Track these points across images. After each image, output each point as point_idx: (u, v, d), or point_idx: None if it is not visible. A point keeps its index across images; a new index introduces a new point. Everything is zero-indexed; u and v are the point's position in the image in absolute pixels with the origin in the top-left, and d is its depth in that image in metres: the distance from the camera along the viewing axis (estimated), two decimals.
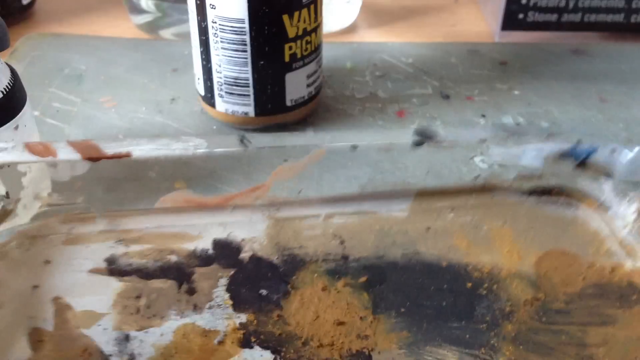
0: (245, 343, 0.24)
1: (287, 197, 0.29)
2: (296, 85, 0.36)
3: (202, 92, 0.37)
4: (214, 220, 0.28)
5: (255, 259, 0.26)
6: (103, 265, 0.25)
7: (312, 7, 0.34)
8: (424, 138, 0.28)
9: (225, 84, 0.35)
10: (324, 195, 0.29)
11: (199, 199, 0.28)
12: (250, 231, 0.27)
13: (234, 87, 0.35)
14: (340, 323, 0.24)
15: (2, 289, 0.24)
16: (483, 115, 0.39)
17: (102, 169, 0.35)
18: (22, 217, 0.26)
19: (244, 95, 0.35)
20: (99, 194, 0.29)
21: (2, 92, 0.27)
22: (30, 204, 0.26)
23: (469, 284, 0.27)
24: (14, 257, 0.25)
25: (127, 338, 0.24)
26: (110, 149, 0.25)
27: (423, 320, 0.25)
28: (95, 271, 0.25)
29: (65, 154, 0.25)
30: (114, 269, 0.25)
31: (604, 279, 0.27)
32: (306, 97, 0.37)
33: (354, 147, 0.28)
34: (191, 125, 0.38)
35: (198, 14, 0.34)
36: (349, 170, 0.30)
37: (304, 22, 0.34)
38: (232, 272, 0.26)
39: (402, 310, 0.25)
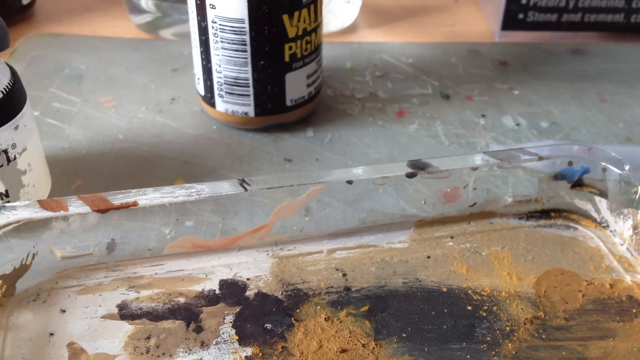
0: None
1: (289, 235, 0.30)
2: (296, 85, 0.36)
3: (202, 92, 0.37)
4: (220, 262, 0.29)
5: (260, 296, 0.27)
6: (115, 310, 0.27)
7: (312, 7, 0.34)
8: (417, 169, 0.29)
9: (225, 84, 0.35)
10: (325, 231, 0.30)
11: (205, 242, 0.30)
12: (255, 270, 0.29)
13: (234, 87, 0.35)
14: (344, 351, 0.25)
15: (21, 336, 0.25)
16: (483, 115, 0.39)
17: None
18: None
19: (244, 95, 0.35)
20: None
21: (2, 92, 0.27)
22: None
23: (469, 307, 0.27)
24: (33, 308, 0.27)
25: None
26: (117, 200, 0.27)
27: (424, 344, 0.25)
28: (107, 317, 0.26)
29: (76, 207, 0.27)
30: (125, 313, 0.27)
31: (603, 294, 0.28)
32: (306, 97, 0.37)
33: (350, 182, 0.29)
34: (191, 125, 0.38)
35: (198, 14, 0.34)
36: (347, 205, 0.31)
37: (304, 22, 0.34)
38: (238, 309, 0.27)
39: (404, 335, 0.26)
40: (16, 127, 0.28)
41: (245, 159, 0.36)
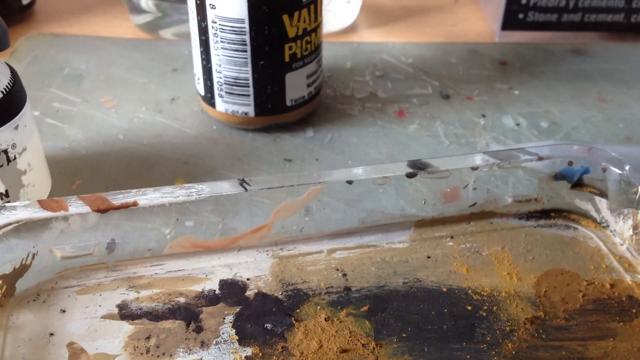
0: None
1: (289, 235, 0.30)
2: (296, 85, 0.36)
3: (202, 92, 0.37)
4: (220, 262, 0.29)
5: (260, 296, 0.27)
6: (115, 310, 0.27)
7: (312, 7, 0.34)
8: (417, 169, 0.29)
9: (225, 84, 0.35)
10: (325, 231, 0.30)
11: (206, 242, 0.30)
12: (255, 270, 0.29)
13: (234, 87, 0.35)
14: (344, 351, 0.25)
15: (21, 336, 0.25)
16: (483, 115, 0.39)
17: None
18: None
19: (244, 95, 0.35)
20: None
21: (2, 92, 0.27)
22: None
23: (469, 307, 0.27)
24: (33, 308, 0.27)
25: None
26: (117, 200, 0.27)
27: (424, 344, 0.26)
28: (107, 317, 0.26)
29: (76, 207, 0.27)
30: (125, 313, 0.27)
31: (603, 294, 0.28)
32: (306, 97, 0.37)
33: (350, 182, 0.29)
34: (191, 126, 0.38)
35: (198, 14, 0.34)
36: (347, 205, 0.31)
37: (304, 22, 0.34)
38: (238, 309, 0.27)
39: (404, 335, 0.26)
40: (16, 127, 0.28)
41: (245, 159, 0.36)
